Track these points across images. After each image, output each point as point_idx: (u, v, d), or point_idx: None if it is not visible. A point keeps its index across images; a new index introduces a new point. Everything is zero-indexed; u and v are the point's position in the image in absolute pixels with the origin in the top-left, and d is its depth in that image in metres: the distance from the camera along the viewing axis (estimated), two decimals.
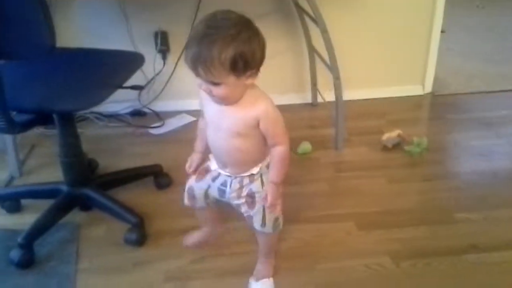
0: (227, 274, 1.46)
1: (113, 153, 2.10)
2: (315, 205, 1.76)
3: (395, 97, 2.61)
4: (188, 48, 1.05)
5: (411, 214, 1.72)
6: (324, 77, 2.34)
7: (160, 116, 2.43)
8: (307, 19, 2.22)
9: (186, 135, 2.26)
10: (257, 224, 1.29)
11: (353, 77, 2.37)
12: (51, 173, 1.92)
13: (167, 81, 2.44)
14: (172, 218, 1.68)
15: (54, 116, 1.48)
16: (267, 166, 1.25)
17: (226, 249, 1.54)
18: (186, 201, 1.38)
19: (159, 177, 1.85)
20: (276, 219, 1.31)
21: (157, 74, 2.39)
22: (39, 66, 1.51)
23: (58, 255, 1.52)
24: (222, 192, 1.30)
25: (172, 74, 2.43)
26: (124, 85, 1.52)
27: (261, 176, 1.26)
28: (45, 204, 1.62)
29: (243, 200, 1.27)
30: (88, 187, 1.64)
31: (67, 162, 1.59)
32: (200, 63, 1.03)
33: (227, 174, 1.27)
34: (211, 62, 1.02)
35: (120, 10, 2.24)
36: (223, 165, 1.27)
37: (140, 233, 1.56)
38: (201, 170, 1.33)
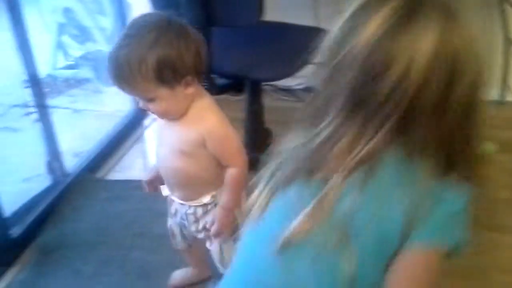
0: None
1: (286, 125, 2.17)
2: (493, 213, 1.62)
3: None
4: (108, 63, 0.91)
5: None
6: None
7: None
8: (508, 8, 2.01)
9: None
10: (216, 261, 1.12)
11: None
12: None
13: None
14: None
15: (246, 83, 1.58)
16: (219, 193, 1.06)
17: None
18: (171, 241, 1.23)
19: None
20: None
21: None
22: (242, 36, 1.62)
23: None
24: (183, 226, 1.15)
25: None
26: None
27: (216, 206, 1.07)
28: None
29: (202, 235, 1.11)
30: (265, 153, 1.73)
31: (249, 128, 1.70)
32: (122, 81, 0.91)
33: (179, 201, 1.10)
34: (133, 77, 0.89)
35: None
36: (170, 188, 1.10)
37: None
38: (169, 201, 1.16)
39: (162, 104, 0.95)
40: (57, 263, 1.06)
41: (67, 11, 2.73)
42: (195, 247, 1.23)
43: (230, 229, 1.05)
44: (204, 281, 1.31)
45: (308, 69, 2.42)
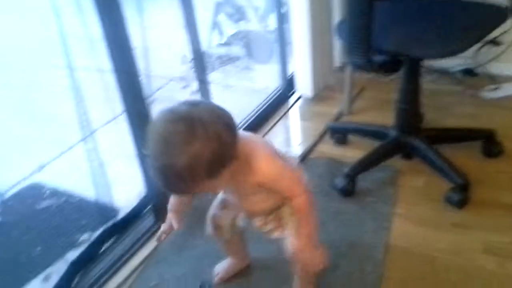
0: None
1: (439, 110, 2.04)
2: None
3: None
4: (156, 174, 0.86)
5: None
6: None
7: (494, 79, 2.22)
8: None
9: None
10: (287, 249, 1.09)
11: None
12: (375, 116, 2.02)
13: None
14: (499, 190, 1.54)
15: (405, 61, 1.50)
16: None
17: None
18: (209, 231, 1.23)
19: (490, 144, 1.70)
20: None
21: (505, 32, 2.13)
22: (403, 11, 1.54)
23: (377, 194, 1.59)
24: (247, 222, 1.18)
25: None
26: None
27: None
28: (368, 143, 1.72)
29: (271, 226, 1.12)
30: (416, 137, 1.64)
31: (403, 109, 1.62)
32: (176, 191, 1.00)
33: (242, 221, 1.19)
34: (186, 188, 0.89)
35: None
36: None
37: (463, 195, 1.48)
38: (223, 201, 1.20)
39: (213, 190, 1.02)
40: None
41: None
42: (237, 237, 1.26)
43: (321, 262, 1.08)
44: (245, 269, 1.35)
45: (469, 50, 2.24)
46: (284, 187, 1.01)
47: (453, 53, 1.32)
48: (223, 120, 0.87)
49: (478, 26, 1.42)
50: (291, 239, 1.07)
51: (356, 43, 1.36)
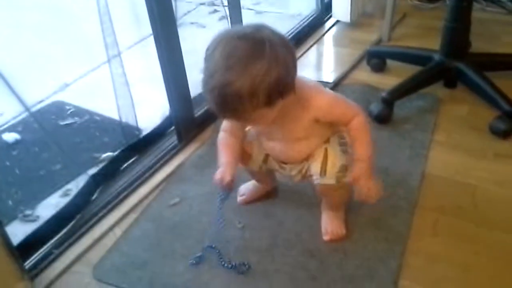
0: None
1: (488, 39, 1.87)
2: None
3: None
4: (209, 95, 0.82)
5: None
6: None
7: None
8: None
9: None
10: (315, 173, 1.01)
11: None
12: (418, 44, 1.86)
13: None
14: None
15: None
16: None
17: None
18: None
19: None
20: (342, 168, 0.99)
21: None
22: None
23: (415, 121, 1.48)
24: (282, 168, 1.10)
25: None
26: None
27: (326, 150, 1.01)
28: (409, 70, 1.59)
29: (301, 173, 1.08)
30: (463, 61, 1.50)
31: (451, 28, 1.47)
32: (229, 113, 0.86)
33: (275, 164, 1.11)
34: (243, 110, 0.82)
35: None
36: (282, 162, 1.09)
37: (509, 124, 1.36)
38: (247, 144, 1.11)
39: (263, 121, 0.92)
40: None
41: None
42: (265, 170, 1.17)
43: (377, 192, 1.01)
44: (271, 191, 1.26)
45: None
46: (339, 114, 0.98)
47: None
48: (290, 47, 0.84)
49: None
50: (351, 167, 1.00)
51: None
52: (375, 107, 1.49)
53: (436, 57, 1.53)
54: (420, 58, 1.60)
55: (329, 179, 1.00)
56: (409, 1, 2.22)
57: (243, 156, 1.10)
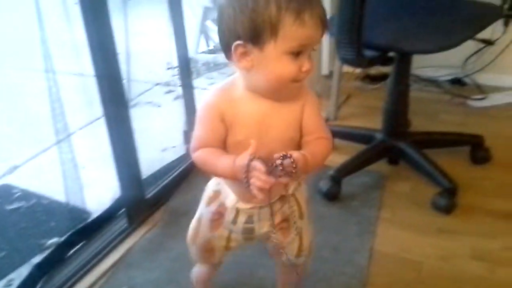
0: None
1: (427, 117, 2.00)
2: None
3: None
4: (308, 5, 0.74)
5: None
6: None
7: (482, 89, 2.20)
8: None
9: None
10: (291, 255, 0.98)
11: None
12: (361, 122, 1.97)
13: (502, 51, 2.15)
14: (485, 196, 1.50)
15: (395, 57, 1.45)
16: (299, 183, 0.95)
17: None
18: (198, 258, 1.06)
19: (477, 150, 1.65)
20: (311, 242, 1.01)
21: (495, 40, 2.11)
22: (393, 5, 1.51)
23: (362, 198, 1.53)
24: (249, 231, 0.94)
25: (509, 44, 2.13)
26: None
27: (294, 195, 0.94)
28: (355, 148, 1.66)
29: (277, 229, 0.94)
30: (403, 140, 1.59)
31: (391, 110, 1.57)
32: (324, 23, 0.76)
33: (251, 206, 0.91)
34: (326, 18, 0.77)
35: None
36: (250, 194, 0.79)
37: (451, 200, 1.42)
38: (214, 215, 0.96)
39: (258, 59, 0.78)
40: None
41: None
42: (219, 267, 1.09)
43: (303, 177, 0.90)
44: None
45: (458, 59, 2.21)
46: (319, 123, 0.86)
47: (444, 47, 1.27)
48: None
49: (470, 22, 1.39)
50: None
51: (347, 38, 1.31)
52: (324, 185, 1.53)
53: (379, 136, 1.62)
54: (364, 137, 1.69)
55: (303, 258, 1.00)
56: (353, 82, 2.37)
57: (205, 252, 1.03)
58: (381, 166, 1.65)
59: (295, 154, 0.75)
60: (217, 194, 0.96)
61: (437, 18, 1.41)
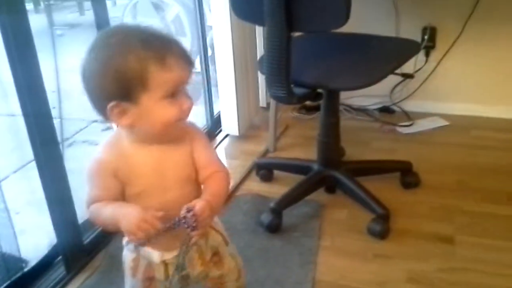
0: None
1: (359, 145, 2.09)
2: None
3: None
4: (174, 47, 0.79)
5: None
6: None
7: (409, 116, 2.34)
8: None
9: (438, 138, 2.14)
10: (233, 280, 1.04)
11: None
12: (300, 152, 2.04)
13: (425, 80, 2.32)
14: (418, 219, 1.58)
15: (324, 94, 1.53)
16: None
17: (481, 265, 1.36)
18: None
19: (407, 175, 1.75)
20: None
21: (417, 70, 2.27)
22: (320, 46, 1.59)
23: (303, 228, 1.57)
24: (185, 278, 0.94)
25: (431, 73, 2.30)
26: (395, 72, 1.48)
27: (213, 227, 0.97)
28: (294, 179, 1.71)
29: (211, 265, 0.98)
30: (337, 170, 1.66)
31: (324, 142, 1.64)
32: (191, 64, 0.80)
33: (176, 253, 0.88)
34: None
35: (393, 2, 2.21)
36: (172, 239, 0.84)
37: (385, 225, 1.49)
38: (145, 282, 0.95)
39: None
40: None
41: None
42: None
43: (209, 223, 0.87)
44: None
45: (385, 88, 2.34)
46: (211, 157, 0.88)
47: (367, 84, 1.36)
48: None
49: (392, 58, 1.49)
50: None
51: (276, 77, 1.37)
52: (266, 218, 1.56)
53: (315, 167, 1.68)
54: (301, 168, 1.74)
55: (242, 279, 1.05)
56: (291, 113, 2.45)
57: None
58: (319, 195, 1.71)
59: (198, 205, 0.77)
60: (136, 261, 0.94)
61: (360, 56, 1.51)
